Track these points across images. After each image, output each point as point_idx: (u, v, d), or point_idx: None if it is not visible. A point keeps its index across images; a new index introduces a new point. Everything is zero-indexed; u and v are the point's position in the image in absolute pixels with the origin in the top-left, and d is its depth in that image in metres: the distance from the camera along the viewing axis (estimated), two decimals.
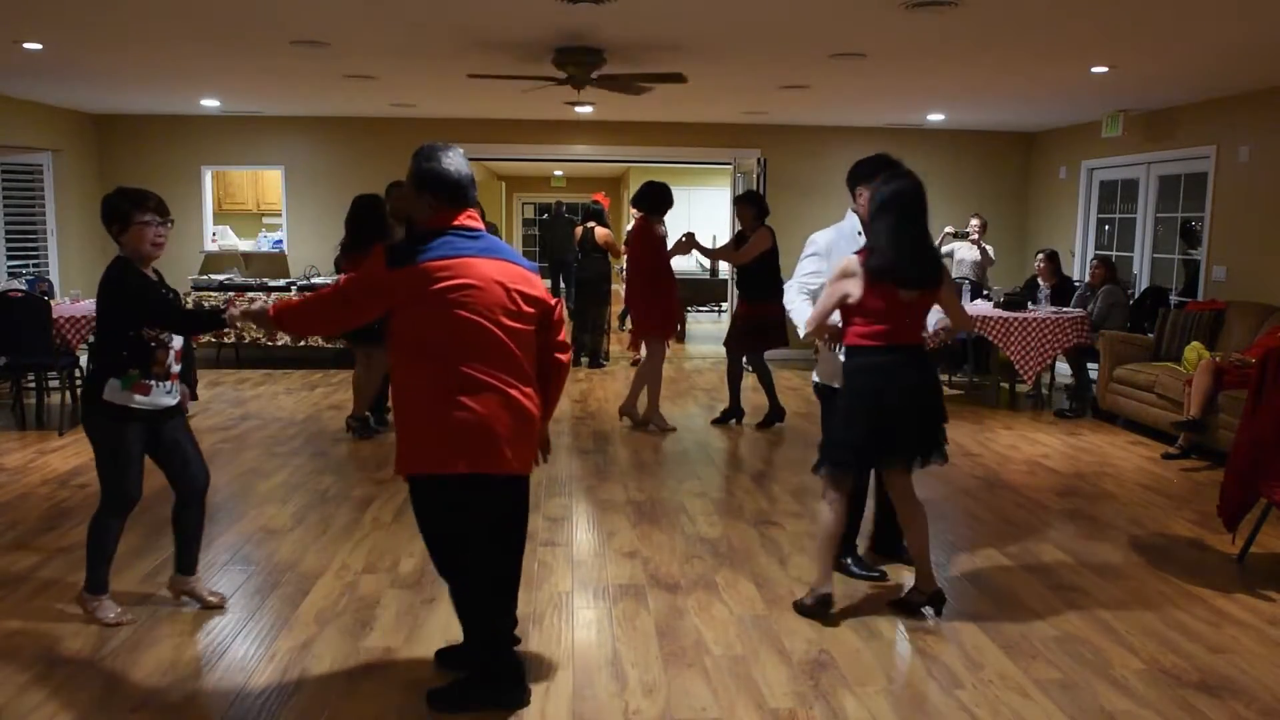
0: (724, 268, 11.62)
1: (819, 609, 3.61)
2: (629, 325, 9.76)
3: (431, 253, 2.71)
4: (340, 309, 2.87)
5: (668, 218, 6.76)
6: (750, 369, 7.13)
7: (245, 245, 10.16)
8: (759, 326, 6.69)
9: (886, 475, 3.70)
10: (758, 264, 6.66)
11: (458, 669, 3.09)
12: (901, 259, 3.37)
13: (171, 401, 3.47)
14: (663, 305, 6.77)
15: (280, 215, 10.20)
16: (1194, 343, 6.62)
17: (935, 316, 3.72)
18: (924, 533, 3.64)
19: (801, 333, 3.73)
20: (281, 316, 2.94)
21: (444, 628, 3.48)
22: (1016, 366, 7.43)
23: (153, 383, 3.37)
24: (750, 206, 6.85)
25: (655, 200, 6.83)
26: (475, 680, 2.95)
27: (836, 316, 3.57)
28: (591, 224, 9.55)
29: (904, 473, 3.61)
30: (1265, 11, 4.67)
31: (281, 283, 9.25)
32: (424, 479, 2.82)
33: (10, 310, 6.37)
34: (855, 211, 3.89)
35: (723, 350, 7.24)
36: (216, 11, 4.96)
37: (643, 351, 9.83)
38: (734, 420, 7.07)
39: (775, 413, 6.93)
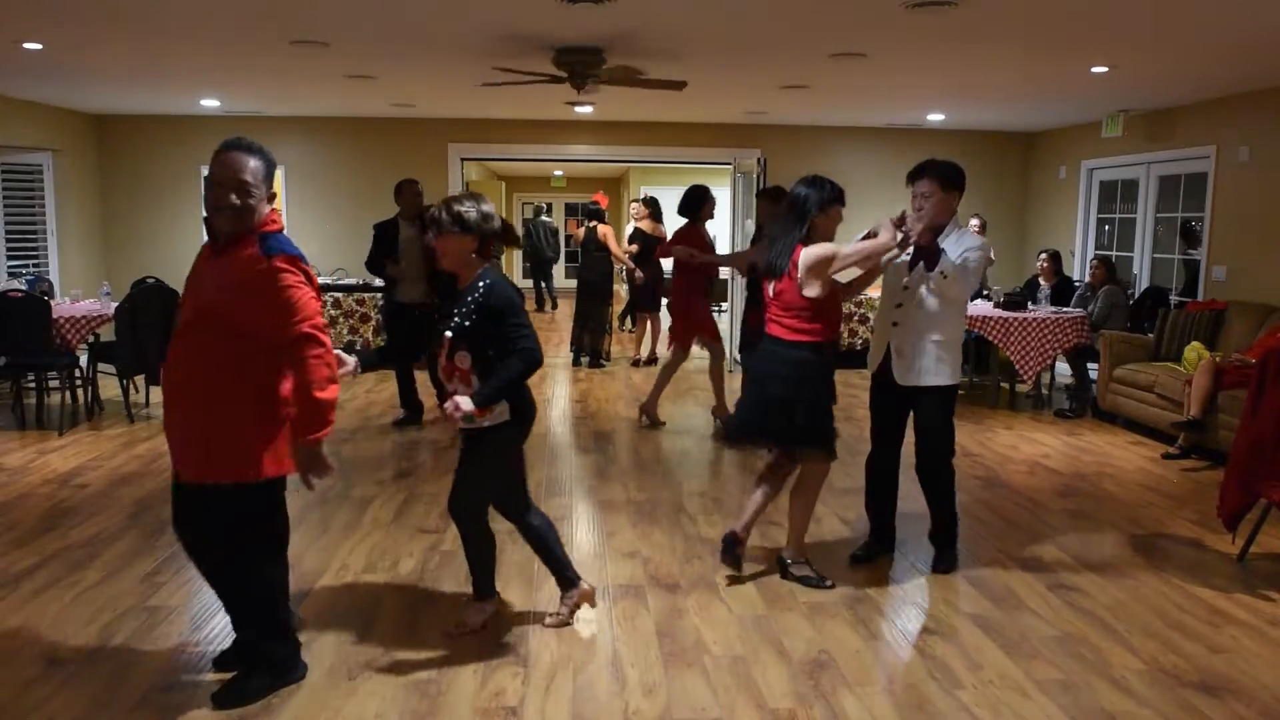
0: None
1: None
2: (629, 325, 9.80)
3: (299, 256, 2.88)
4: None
5: (665, 218, 6.76)
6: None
7: None
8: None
9: None
10: None
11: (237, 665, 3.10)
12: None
13: (463, 424, 3.24)
14: (700, 310, 6.75)
15: (280, 215, 10.20)
16: (1194, 343, 6.63)
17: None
18: (794, 512, 4.01)
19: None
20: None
21: (444, 626, 3.48)
22: (1016, 366, 7.43)
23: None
24: (770, 203, 6.18)
25: (694, 203, 6.68)
26: (260, 670, 3.00)
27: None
28: (594, 223, 9.55)
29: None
30: (1265, 11, 4.67)
31: None
32: (273, 480, 2.91)
33: (10, 310, 6.37)
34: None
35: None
36: (216, 11, 4.96)
37: (643, 351, 9.90)
38: None
39: None
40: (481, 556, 3.47)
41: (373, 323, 9.21)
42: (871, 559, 4.25)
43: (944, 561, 4.17)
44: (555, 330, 12.91)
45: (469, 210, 3.15)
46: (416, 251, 6.59)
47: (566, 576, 3.55)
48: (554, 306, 15.69)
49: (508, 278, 3.27)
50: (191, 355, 2.80)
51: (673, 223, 7.07)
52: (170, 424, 2.86)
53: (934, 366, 3.97)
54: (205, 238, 3.02)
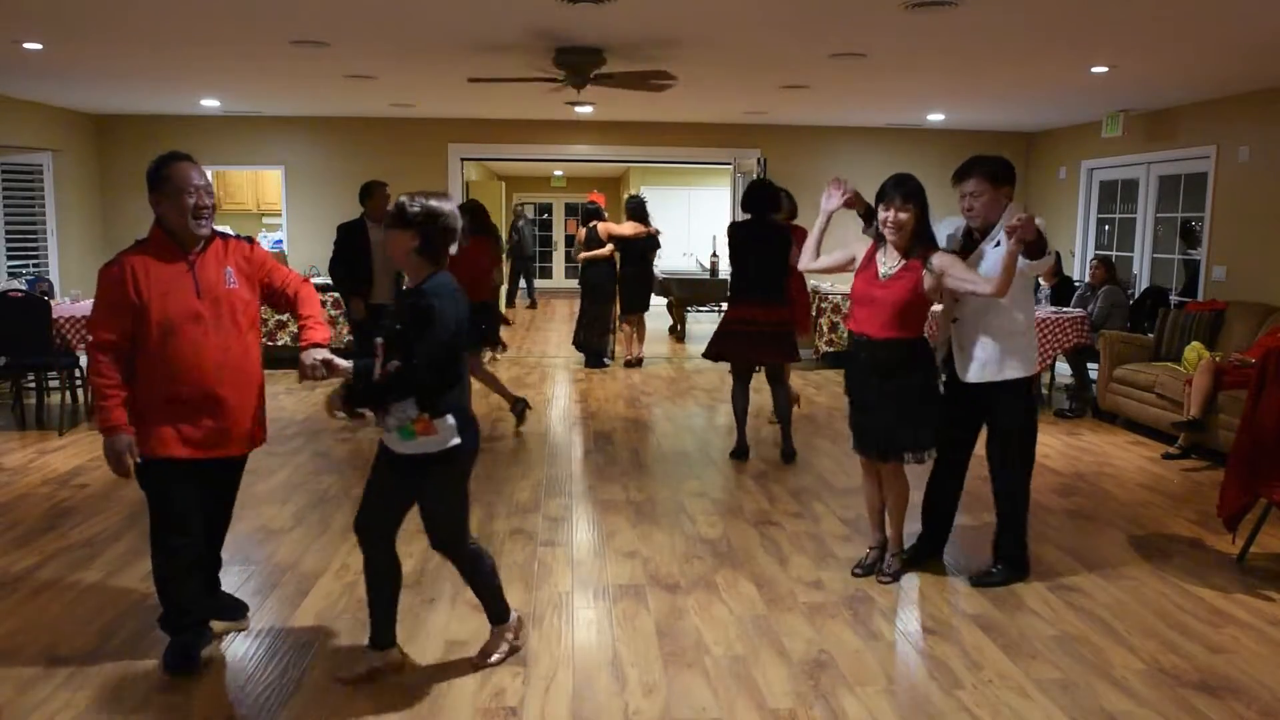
0: (723, 269, 11.61)
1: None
2: (625, 326, 9.80)
3: None
4: None
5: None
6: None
7: None
8: (743, 335, 5.74)
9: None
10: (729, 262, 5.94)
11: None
12: None
13: (397, 447, 2.98)
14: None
15: (280, 215, 10.22)
16: (1194, 343, 6.62)
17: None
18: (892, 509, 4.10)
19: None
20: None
21: (444, 627, 3.49)
22: None
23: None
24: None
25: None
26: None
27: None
28: (593, 223, 9.52)
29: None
30: (1265, 11, 4.68)
31: None
32: None
33: (10, 310, 6.37)
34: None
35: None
36: (216, 11, 4.96)
37: (638, 350, 9.89)
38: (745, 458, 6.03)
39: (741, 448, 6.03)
40: (489, 578, 3.21)
41: None
42: (919, 561, 4.18)
43: (989, 576, 3.99)
44: (539, 329, 12.92)
45: (412, 204, 2.88)
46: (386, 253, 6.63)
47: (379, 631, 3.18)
48: (533, 305, 16.67)
49: (459, 294, 2.96)
50: (234, 344, 3.16)
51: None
52: (229, 408, 3.15)
53: (1001, 359, 3.77)
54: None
